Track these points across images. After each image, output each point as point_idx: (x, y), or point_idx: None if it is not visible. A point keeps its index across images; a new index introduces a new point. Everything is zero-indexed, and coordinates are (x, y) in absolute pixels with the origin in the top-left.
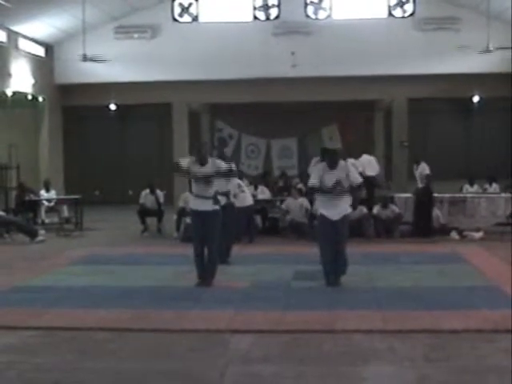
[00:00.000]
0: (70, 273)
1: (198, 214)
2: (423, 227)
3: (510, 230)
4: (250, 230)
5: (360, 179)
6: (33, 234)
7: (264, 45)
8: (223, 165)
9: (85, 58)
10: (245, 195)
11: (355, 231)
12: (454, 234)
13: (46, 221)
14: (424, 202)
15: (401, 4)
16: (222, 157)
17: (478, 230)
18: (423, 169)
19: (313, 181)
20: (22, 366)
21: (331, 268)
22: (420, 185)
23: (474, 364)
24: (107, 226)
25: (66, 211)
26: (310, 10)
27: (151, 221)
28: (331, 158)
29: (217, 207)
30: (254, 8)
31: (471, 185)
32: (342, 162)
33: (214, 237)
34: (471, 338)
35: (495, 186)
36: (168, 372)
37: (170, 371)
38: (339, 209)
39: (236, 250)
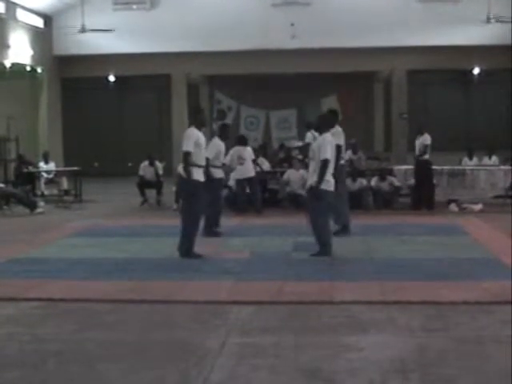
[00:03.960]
0: (70, 245)
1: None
2: (423, 199)
3: (509, 202)
4: (255, 202)
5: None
6: (32, 206)
7: (263, 16)
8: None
9: (83, 30)
10: (244, 167)
11: (354, 203)
12: (453, 206)
13: (46, 193)
14: (424, 173)
15: None
16: (223, 131)
17: (477, 202)
18: (425, 139)
19: (328, 155)
20: (22, 337)
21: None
22: (417, 153)
23: (472, 334)
24: (106, 198)
25: (65, 183)
26: None
27: (150, 193)
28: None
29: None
30: None
31: (470, 158)
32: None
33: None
34: (470, 310)
35: (495, 159)
36: (168, 343)
37: (170, 342)
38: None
39: (237, 221)
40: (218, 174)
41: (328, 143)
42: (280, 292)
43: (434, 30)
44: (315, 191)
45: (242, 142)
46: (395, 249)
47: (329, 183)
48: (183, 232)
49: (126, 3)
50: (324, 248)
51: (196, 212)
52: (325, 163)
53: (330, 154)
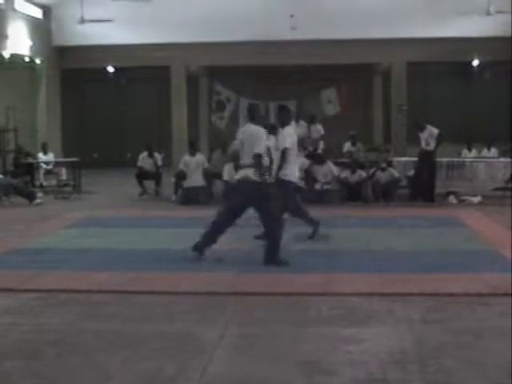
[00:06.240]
0: (69, 235)
1: None
2: (424, 191)
3: (508, 194)
4: None
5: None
6: (31, 197)
7: (263, 7)
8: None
9: (83, 20)
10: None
11: (354, 195)
12: (453, 199)
13: (45, 183)
14: (427, 165)
15: None
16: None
17: (476, 194)
18: (431, 132)
19: (288, 144)
20: (23, 327)
21: None
22: (427, 148)
23: (471, 326)
24: (105, 189)
25: (64, 174)
26: None
27: (149, 184)
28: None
29: None
30: None
31: (469, 150)
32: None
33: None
34: (469, 302)
35: (494, 151)
36: (167, 334)
37: (170, 333)
38: None
39: None
40: None
41: (288, 135)
42: (279, 283)
43: (433, 22)
44: (277, 181)
45: None
46: (394, 240)
47: (291, 175)
48: (270, 240)
49: None
50: (314, 225)
51: (279, 215)
52: (283, 152)
53: (289, 143)
